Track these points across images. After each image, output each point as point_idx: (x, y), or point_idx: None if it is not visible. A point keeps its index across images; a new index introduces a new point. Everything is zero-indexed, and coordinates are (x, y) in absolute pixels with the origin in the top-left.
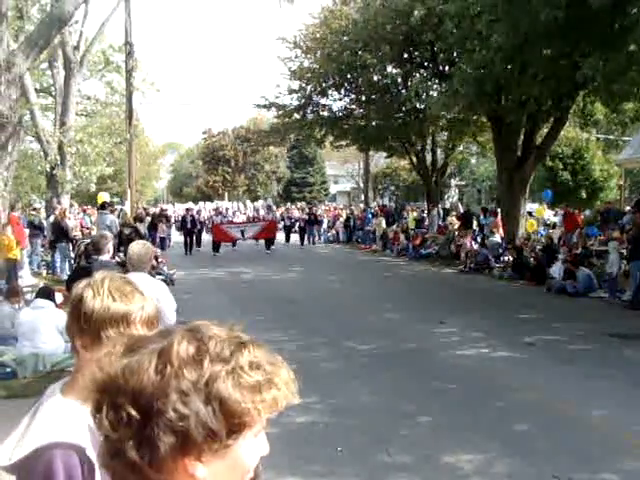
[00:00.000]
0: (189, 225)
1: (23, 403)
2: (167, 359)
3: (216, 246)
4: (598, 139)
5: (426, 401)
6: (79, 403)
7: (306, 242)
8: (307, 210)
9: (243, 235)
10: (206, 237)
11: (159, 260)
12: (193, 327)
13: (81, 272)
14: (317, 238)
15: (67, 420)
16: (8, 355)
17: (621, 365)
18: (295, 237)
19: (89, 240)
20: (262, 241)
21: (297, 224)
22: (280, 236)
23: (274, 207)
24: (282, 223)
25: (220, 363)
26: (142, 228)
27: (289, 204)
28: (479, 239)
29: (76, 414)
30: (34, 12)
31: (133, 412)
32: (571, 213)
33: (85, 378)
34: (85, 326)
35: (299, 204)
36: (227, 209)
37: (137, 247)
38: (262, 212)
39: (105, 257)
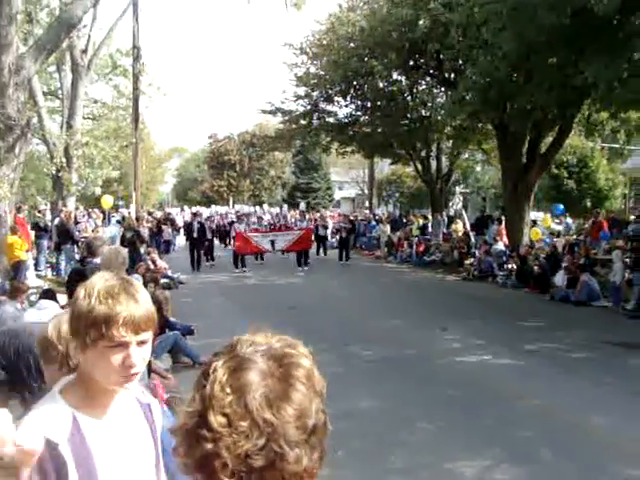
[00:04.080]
0: (196, 234)
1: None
2: None
3: (239, 259)
4: (603, 148)
5: (427, 407)
6: (74, 398)
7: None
8: (321, 215)
9: (273, 246)
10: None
11: (157, 264)
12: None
13: (75, 275)
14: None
15: (50, 412)
16: None
17: (623, 374)
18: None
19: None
20: (288, 253)
21: (337, 234)
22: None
23: (308, 214)
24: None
25: None
26: (144, 230)
27: (323, 210)
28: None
29: (63, 407)
30: (43, 16)
31: None
32: (599, 221)
33: (84, 383)
34: (76, 326)
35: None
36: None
37: (108, 251)
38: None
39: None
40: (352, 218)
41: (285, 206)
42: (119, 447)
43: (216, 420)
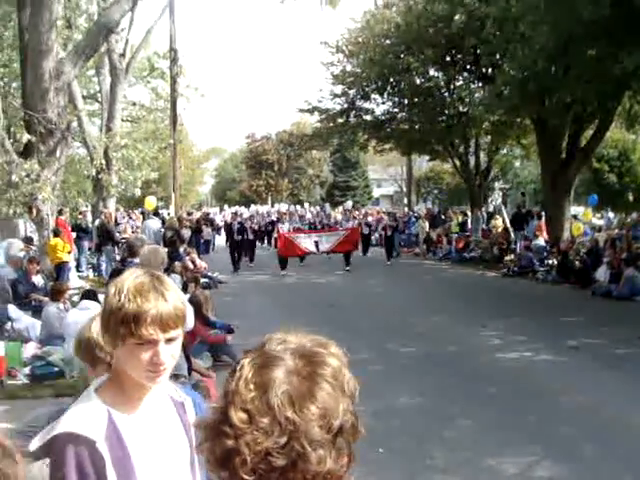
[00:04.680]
0: (236, 234)
1: (70, 402)
2: None
3: (284, 261)
4: None
5: (468, 403)
6: (110, 395)
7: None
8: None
9: (317, 247)
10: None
11: (196, 264)
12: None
13: (116, 275)
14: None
15: (86, 414)
16: (56, 355)
17: None
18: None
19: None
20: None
21: (381, 233)
22: None
23: (354, 211)
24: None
25: None
26: (185, 231)
27: (366, 207)
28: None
29: (99, 406)
30: (82, 21)
31: None
32: None
33: (119, 379)
34: (106, 323)
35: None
36: (291, 214)
37: (147, 251)
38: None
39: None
40: (400, 215)
41: (327, 205)
42: (154, 445)
43: (237, 416)
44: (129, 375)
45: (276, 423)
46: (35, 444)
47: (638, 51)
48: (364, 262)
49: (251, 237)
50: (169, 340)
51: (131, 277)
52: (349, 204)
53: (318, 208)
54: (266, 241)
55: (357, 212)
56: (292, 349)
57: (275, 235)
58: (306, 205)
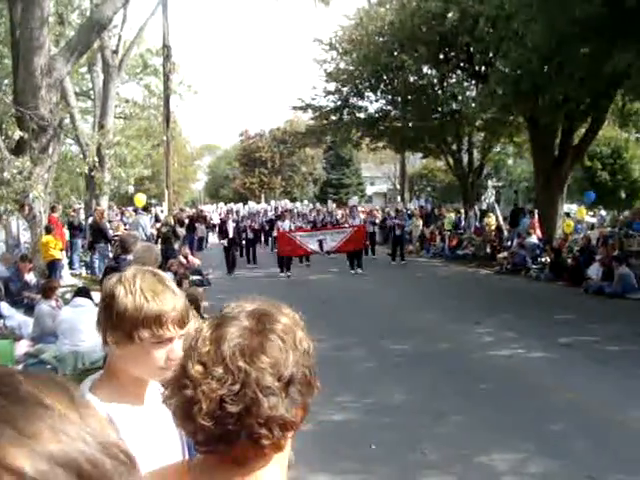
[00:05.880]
0: (231, 233)
1: None
2: None
3: (284, 263)
4: (638, 138)
5: (460, 400)
6: (105, 394)
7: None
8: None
9: (322, 247)
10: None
11: (189, 260)
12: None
13: (110, 272)
14: None
15: None
16: (49, 352)
17: None
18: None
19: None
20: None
21: (392, 231)
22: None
23: (359, 208)
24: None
25: None
26: (180, 229)
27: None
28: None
29: (97, 407)
30: (74, 17)
31: None
32: None
33: (115, 377)
34: (117, 323)
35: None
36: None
37: (141, 248)
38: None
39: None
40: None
41: (330, 201)
42: (151, 441)
43: (194, 368)
44: (128, 372)
45: (229, 372)
46: None
47: (630, 49)
48: (369, 263)
49: (251, 236)
50: (181, 335)
51: (137, 276)
52: (355, 200)
53: (319, 205)
54: (263, 240)
55: (362, 209)
56: (247, 311)
57: (275, 234)
58: (305, 202)
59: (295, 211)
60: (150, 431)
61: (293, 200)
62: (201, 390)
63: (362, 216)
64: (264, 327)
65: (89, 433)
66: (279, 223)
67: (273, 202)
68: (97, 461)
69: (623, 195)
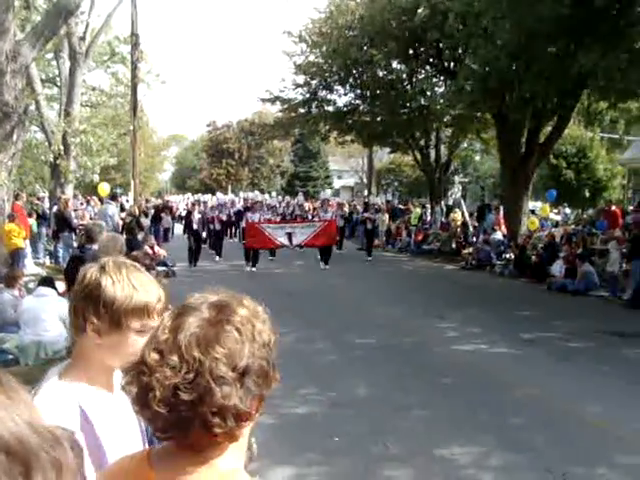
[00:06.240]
0: (196, 225)
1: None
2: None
3: (250, 255)
4: (602, 138)
5: (423, 394)
6: (75, 384)
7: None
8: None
9: (291, 240)
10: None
11: (155, 251)
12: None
13: (76, 261)
14: None
15: (58, 403)
16: (10, 342)
17: (618, 363)
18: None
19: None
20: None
21: (363, 225)
22: None
23: (331, 200)
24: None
25: None
26: (144, 220)
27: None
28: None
29: (68, 396)
30: (40, 2)
31: None
32: (612, 211)
33: (87, 365)
34: (104, 312)
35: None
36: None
37: (105, 238)
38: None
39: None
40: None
41: (301, 194)
42: (122, 428)
43: (151, 356)
44: (102, 361)
45: (184, 361)
46: None
47: (596, 49)
48: (336, 257)
49: (218, 228)
50: None
51: (122, 267)
52: (327, 194)
53: (288, 197)
54: (232, 233)
55: (310, 203)
56: (209, 302)
57: (243, 225)
58: (274, 194)
59: (265, 203)
60: (121, 418)
61: (261, 192)
62: (155, 377)
63: (333, 209)
64: (221, 318)
65: (18, 414)
66: (249, 215)
67: (242, 194)
68: (23, 437)
69: (587, 194)
